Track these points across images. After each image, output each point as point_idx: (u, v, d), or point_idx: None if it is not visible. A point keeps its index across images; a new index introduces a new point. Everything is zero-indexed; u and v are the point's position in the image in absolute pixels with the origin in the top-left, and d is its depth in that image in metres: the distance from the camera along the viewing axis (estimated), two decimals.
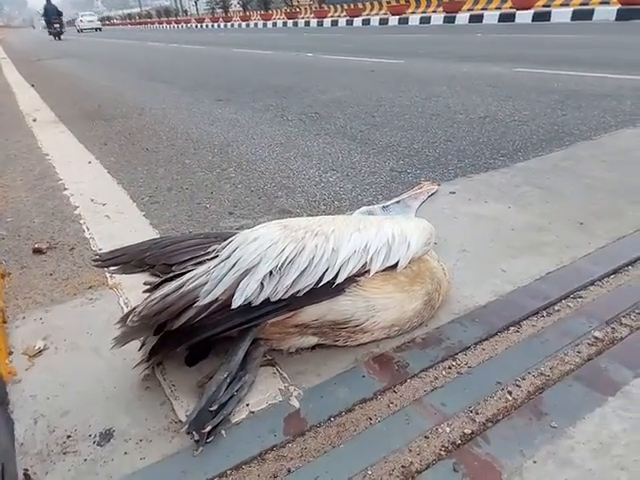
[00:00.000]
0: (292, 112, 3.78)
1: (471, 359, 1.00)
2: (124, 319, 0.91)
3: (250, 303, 0.88)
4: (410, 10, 16.56)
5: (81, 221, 1.83)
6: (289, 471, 0.78)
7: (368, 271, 0.95)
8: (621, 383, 0.89)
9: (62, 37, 22.10)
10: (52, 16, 21.80)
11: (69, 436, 0.87)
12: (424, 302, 1.05)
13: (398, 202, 1.51)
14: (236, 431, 0.86)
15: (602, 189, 1.78)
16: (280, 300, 0.90)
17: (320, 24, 19.02)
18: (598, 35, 7.59)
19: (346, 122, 3.33)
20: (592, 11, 10.65)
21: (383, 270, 0.97)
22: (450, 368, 0.97)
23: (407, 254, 0.99)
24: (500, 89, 3.99)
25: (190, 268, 1.00)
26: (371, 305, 0.97)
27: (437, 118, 3.24)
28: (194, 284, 0.90)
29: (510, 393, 0.90)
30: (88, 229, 1.75)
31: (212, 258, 0.98)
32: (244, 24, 25.32)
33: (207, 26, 29.70)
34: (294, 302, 0.91)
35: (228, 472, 0.78)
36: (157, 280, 1.03)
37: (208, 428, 0.83)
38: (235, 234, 1.02)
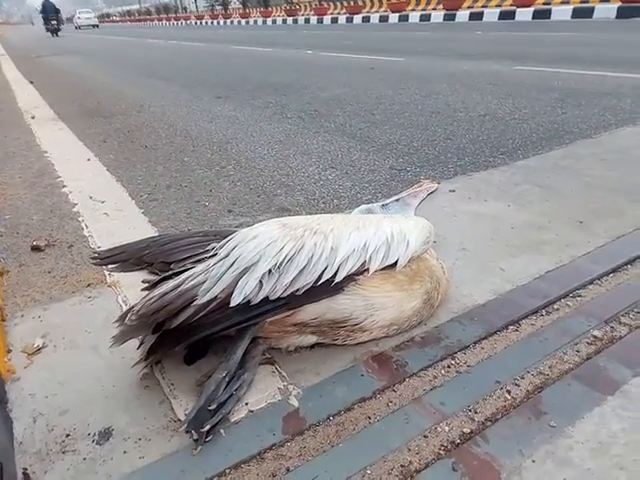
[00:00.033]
0: (291, 109, 3.77)
1: (470, 358, 0.99)
2: (122, 317, 0.91)
3: (249, 302, 0.88)
4: (410, 7, 16.52)
5: (80, 218, 1.83)
6: (288, 470, 0.78)
7: (367, 270, 0.95)
8: (620, 382, 0.89)
9: (60, 34, 22.37)
10: (49, 13, 22.06)
11: (68, 435, 0.87)
12: (423, 301, 1.04)
13: (397, 200, 1.50)
14: (235, 430, 0.85)
15: (602, 187, 1.78)
16: (279, 299, 0.89)
17: (320, 21, 18.99)
18: (598, 33, 7.58)
19: (345, 120, 3.32)
20: (592, 9, 10.63)
21: (382, 269, 0.97)
22: (449, 367, 0.97)
23: (406, 253, 0.99)
24: (500, 87, 3.99)
25: (189, 266, 1.00)
26: (370, 304, 0.97)
27: (437, 116, 3.23)
28: (192, 282, 0.90)
29: (509, 392, 0.90)
30: (87, 227, 1.75)
31: (211, 256, 0.98)
32: (244, 21, 25.28)
33: (206, 23, 29.64)
34: (293, 301, 0.91)
35: (227, 471, 0.78)
36: (155, 278, 1.02)
37: (207, 427, 0.82)
38: (234, 232, 1.02)
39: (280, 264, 0.90)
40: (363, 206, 1.47)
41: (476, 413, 0.86)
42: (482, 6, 14.06)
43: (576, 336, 1.03)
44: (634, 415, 0.82)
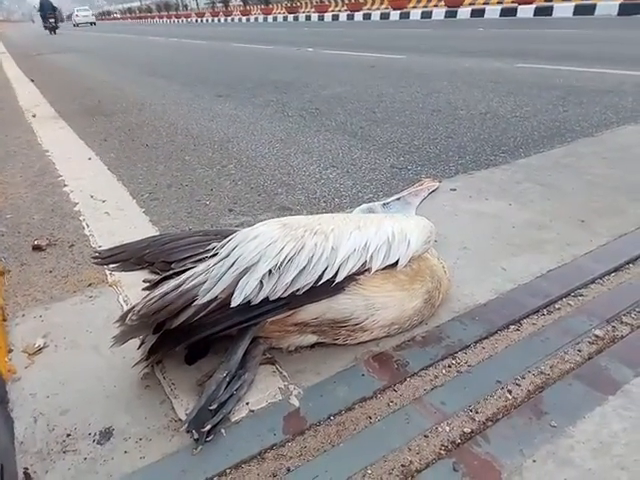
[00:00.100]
0: (292, 108, 3.76)
1: (471, 358, 0.99)
2: (123, 317, 0.91)
3: (249, 302, 0.88)
4: (411, 5, 16.46)
5: (81, 218, 1.83)
6: (288, 470, 0.78)
7: (368, 269, 0.95)
8: (621, 382, 0.89)
9: (58, 32, 22.68)
10: (47, 11, 22.34)
11: (69, 435, 0.87)
12: (424, 300, 1.04)
13: (398, 199, 1.50)
14: (236, 430, 0.85)
15: (603, 186, 1.77)
16: (279, 299, 0.89)
17: (321, 18, 18.92)
18: (600, 30, 7.55)
19: (346, 118, 3.32)
20: (594, 6, 10.58)
21: (383, 268, 0.97)
22: (450, 367, 0.97)
23: (407, 252, 0.98)
24: (501, 85, 3.98)
25: (189, 266, 1.00)
26: (371, 303, 0.97)
27: (438, 114, 3.22)
28: (193, 282, 0.90)
29: (510, 392, 0.90)
30: (88, 226, 1.75)
31: (211, 256, 0.98)
32: (244, 18, 25.21)
33: (207, 20, 29.56)
34: (293, 301, 0.91)
35: (227, 471, 0.78)
36: (156, 278, 1.03)
37: (208, 427, 0.82)
38: (235, 232, 1.02)
39: (280, 264, 0.89)
40: (364, 205, 1.47)
41: (477, 413, 0.86)
42: (484, 3, 13.98)
43: (577, 335, 1.02)
44: (635, 415, 0.82)
